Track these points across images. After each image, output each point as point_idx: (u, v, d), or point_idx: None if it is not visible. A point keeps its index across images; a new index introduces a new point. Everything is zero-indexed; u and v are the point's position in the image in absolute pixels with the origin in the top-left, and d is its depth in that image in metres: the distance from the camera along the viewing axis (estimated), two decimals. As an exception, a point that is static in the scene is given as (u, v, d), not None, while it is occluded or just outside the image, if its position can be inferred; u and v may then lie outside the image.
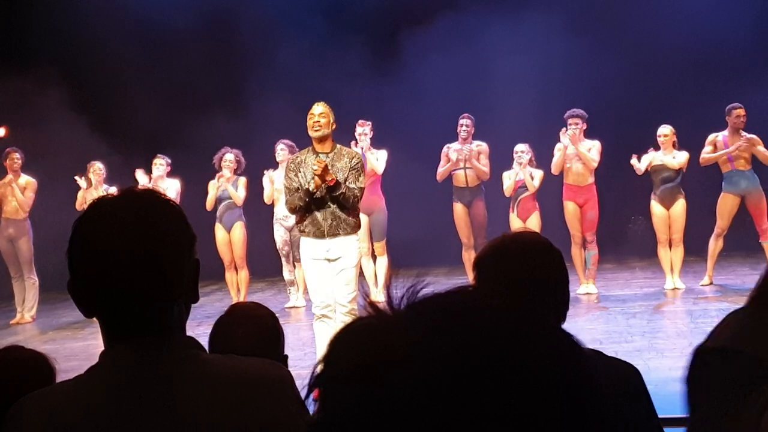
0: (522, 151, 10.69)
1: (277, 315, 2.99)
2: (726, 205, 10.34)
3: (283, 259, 11.11)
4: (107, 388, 1.57)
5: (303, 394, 0.81)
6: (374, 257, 11.04)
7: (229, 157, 10.95)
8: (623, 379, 2.30)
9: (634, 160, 10.48)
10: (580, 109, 10.58)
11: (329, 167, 6.94)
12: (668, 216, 10.48)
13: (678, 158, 10.36)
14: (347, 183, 7.01)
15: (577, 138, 10.36)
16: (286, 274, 11.22)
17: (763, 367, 1.15)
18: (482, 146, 10.97)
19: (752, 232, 10.55)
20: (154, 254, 1.57)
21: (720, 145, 10.36)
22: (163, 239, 1.59)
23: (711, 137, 10.42)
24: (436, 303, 0.79)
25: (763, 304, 1.25)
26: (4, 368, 2.45)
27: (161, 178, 11.00)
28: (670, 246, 10.54)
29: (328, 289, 7.03)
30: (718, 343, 1.21)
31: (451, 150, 11.01)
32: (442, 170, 11.01)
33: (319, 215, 7.03)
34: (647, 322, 8.88)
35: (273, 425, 1.57)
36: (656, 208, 10.54)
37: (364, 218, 10.49)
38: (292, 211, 7.33)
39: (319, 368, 0.79)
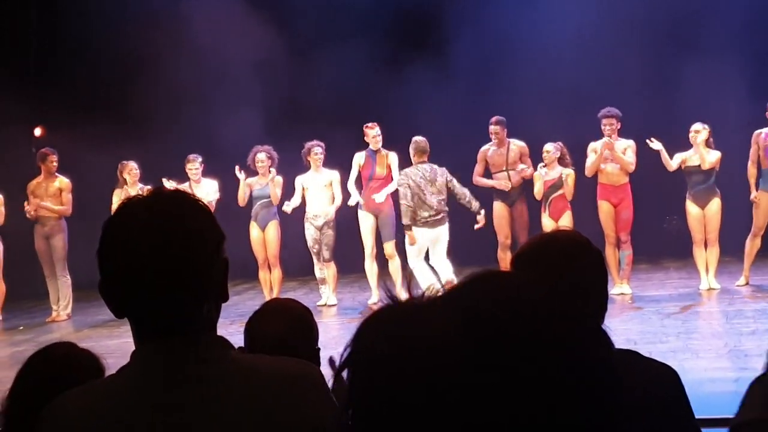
0: (548, 150, 10.62)
1: (309, 311, 3.01)
2: (763, 203, 10.20)
3: (314, 258, 11.17)
4: (138, 388, 1.58)
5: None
6: (380, 260, 11.05)
7: (261, 157, 11.06)
8: (660, 381, 2.27)
9: (656, 145, 10.33)
10: (613, 107, 10.51)
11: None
12: (703, 216, 10.37)
13: (708, 158, 10.19)
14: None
15: (612, 145, 10.32)
16: (317, 272, 11.28)
17: None
18: (524, 147, 10.98)
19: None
20: (182, 254, 1.57)
21: (762, 142, 10.19)
22: (191, 239, 1.59)
23: (755, 135, 10.25)
24: (466, 288, 0.79)
25: None
26: (54, 363, 2.48)
27: (197, 181, 11.10)
28: (705, 246, 10.43)
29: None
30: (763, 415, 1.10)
31: (490, 153, 10.96)
32: (482, 181, 11.02)
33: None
34: (682, 323, 8.80)
35: (303, 424, 1.56)
36: (691, 207, 10.42)
37: (371, 219, 11.00)
38: None
39: (347, 350, 0.79)
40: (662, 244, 12.80)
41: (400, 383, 0.74)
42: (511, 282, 0.81)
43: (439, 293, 0.80)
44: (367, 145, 11.02)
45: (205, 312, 1.62)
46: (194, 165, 11.22)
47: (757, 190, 10.23)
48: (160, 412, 1.54)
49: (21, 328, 11.35)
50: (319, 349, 2.86)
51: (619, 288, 10.42)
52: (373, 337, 0.79)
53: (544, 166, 10.64)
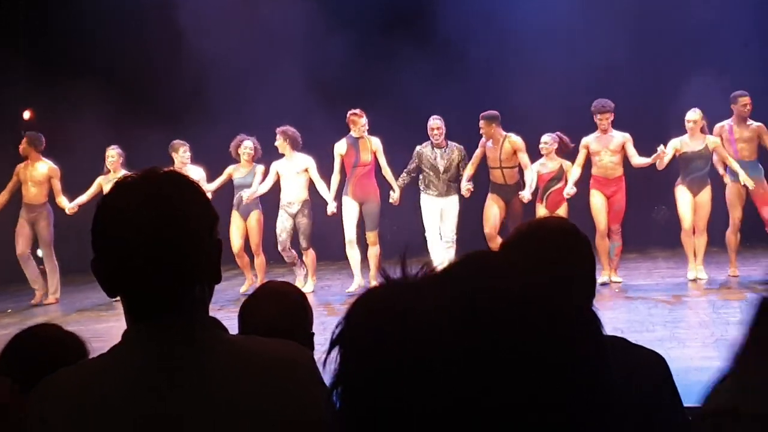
0: (545, 142, 10.47)
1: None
2: (733, 195, 10.21)
3: (279, 245, 11.10)
4: (130, 367, 1.58)
5: (323, 358, 0.82)
6: (364, 247, 10.98)
7: (248, 144, 11.11)
8: (649, 367, 2.28)
9: (664, 149, 10.09)
10: (606, 96, 10.42)
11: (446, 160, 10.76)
12: (694, 203, 10.29)
13: (717, 151, 10.09)
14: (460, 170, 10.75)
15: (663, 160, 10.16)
16: (285, 258, 11.25)
17: None
18: (516, 143, 10.53)
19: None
20: (175, 235, 1.58)
21: (726, 134, 10.21)
22: (184, 219, 1.59)
23: (717, 128, 10.26)
24: (460, 267, 0.80)
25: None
26: (40, 344, 2.48)
27: (184, 165, 10.97)
28: (694, 233, 10.37)
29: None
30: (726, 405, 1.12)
31: (487, 146, 10.63)
32: (467, 174, 10.71)
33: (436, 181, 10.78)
34: (669, 312, 8.84)
35: (294, 406, 1.56)
36: (684, 194, 10.26)
37: (355, 206, 10.86)
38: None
39: (339, 328, 0.80)
40: (650, 233, 12.83)
41: (389, 361, 0.75)
42: (502, 262, 0.81)
43: (432, 272, 0.80)
44: (347, 132, 10.90)
45: (198, 293, 1.62)
46: (183, 148, 11.15)
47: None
48: (152, 392, 1.54)
49: (9, 311, 11.33)
50: (313, 333, 2.86)
51: (607, 277, 10.41)
52: (364, 315, 0.79)
53: (546, 155, 10.49)
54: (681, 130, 10.31)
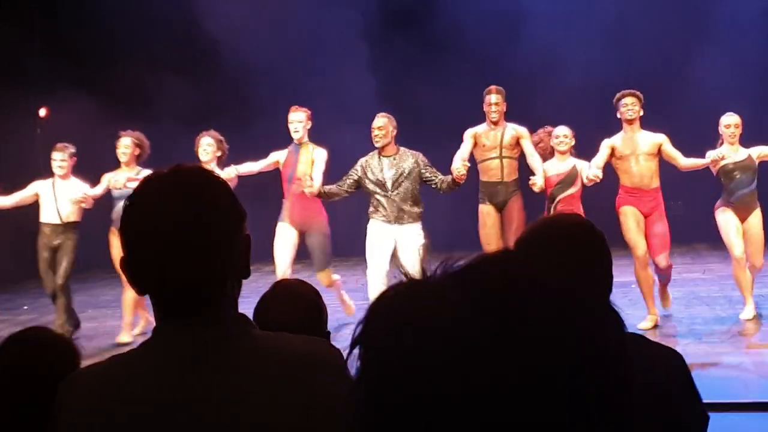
0: (564, 135, 8.43)
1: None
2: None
3: None
4: (160, 364, 1.59)
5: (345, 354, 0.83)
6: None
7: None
8: (667, 365, 2.27)
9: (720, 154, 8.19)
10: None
11: (396, 169, 8.07)
12: (743, 230, 8.30)
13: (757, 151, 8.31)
14: (433, 180, 8.05)
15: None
16: None
17: None
18: (521, 133, 8.53)
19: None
20: (203, 231, 1.58)
21: None
22: (213, 217, 1.60)
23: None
24: (477, 267, 0.80)
25: None
26: (30, 349, 2.47)
27: (64, 177, 9.01)
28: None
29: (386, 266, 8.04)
30: None
31: (481, 137, 8.53)
32: (456, 164, 8.11)
33: (386, 205, 8.10)
34: (685, 308, 8.81)
35: (323, 403, 1.56)
36: (730, 218, 8.28)
37: (292, 234, 8.63)
38: (326, 196, 8.26)
39: (359, 327, 0.80)
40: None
41: (409, 360, 0.75)
42: (520, 261, 0.82)
43: (451, 270, 0.81)
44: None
45: (226, 289, 1.63)
46: (61, 155, 9.02)
47: None
48: (182, 389, 1.55)
49: (25, 308, 11.40)
50: (329, 332, 2.86)
51: (652, 321, 8.20)
52: (384, 315, 0.79)
53: (563, 153, 8.42)
54: (703, 125, 8.98)
